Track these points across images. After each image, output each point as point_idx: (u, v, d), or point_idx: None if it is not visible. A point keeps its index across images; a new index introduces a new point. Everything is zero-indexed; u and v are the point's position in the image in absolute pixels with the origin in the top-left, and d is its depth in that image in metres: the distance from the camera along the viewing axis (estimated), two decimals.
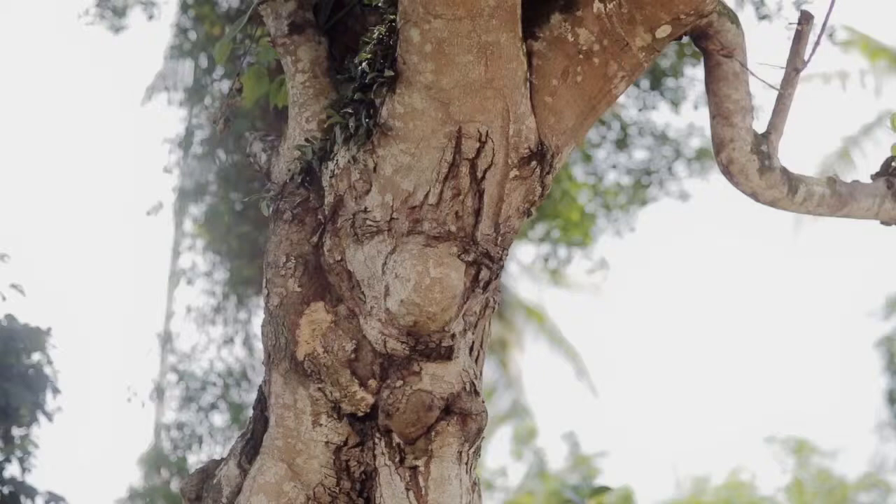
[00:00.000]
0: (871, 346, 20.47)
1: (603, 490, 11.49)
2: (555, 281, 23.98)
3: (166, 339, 13.94)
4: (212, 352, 14.06)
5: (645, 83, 15.64)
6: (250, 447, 4.57)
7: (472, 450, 4.42)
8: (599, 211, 17.87)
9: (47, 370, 10.80)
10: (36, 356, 10.66)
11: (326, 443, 4.46)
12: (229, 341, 14.45)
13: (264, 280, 4.65)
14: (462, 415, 4.36)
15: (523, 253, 23.36)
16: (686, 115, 16.64)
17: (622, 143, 16.74)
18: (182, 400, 13.26)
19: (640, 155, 17.09)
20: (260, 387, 4.74)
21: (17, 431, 10.55)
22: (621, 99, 16.05)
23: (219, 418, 14.00)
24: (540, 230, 18.51)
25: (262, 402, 4.65)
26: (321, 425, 4.46)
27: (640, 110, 16.31)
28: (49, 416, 10.29)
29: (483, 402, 4.48)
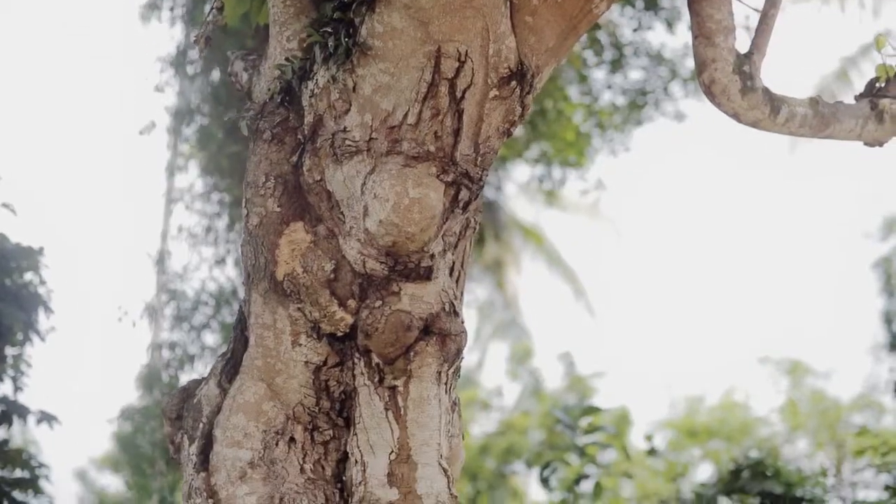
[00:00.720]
0: (868, 267, 20.51)
1: (593, 410, 11.59)
2: (550, 202, 23.93)
3: (160, 259, 13.92)
4: (204, 272, 14.06)
5: (640, 3, 15.50)
6: (230, 367, 4.58)
7: (452, 370, 4.44)
8: (594, 131, 17.78)
9: (40, 290, 10.78)
10: (28, 276, 10.64)
11: (306, 363, 4.47)
12: (221, 261, 14.44)
13: (244, 200, 4.64)
14: (441, 335, 4.36)
15: (519, 173, 23.29)
16: (681, 35, 16.48)
17: (617, 64, 16.61)
18: (174, 320, 13.29)
19: (635, 75, 16.98)
20: (240, 306, 4.74)
21: (9, 351, 10.57)
22: (616, 19, 15.91)
23: (210, 338, 14.04)
24: (535, 150, 18.43)
25: (242, 322, 4.66)
26: (300, 345, 4.47)
27: (635, 31, 16.17)
28: (41, 336, 10.29)
29: (463, 322, 4.48)
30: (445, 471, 4.38)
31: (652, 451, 12.99)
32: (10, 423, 9.79)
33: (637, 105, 17.10)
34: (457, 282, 4.63)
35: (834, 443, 14.81)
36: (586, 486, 11.94)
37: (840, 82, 19.65)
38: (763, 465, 10.99)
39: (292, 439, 4.42)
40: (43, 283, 10.74)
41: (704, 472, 14.29)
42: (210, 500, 4.29)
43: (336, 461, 4.47)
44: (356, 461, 4.36)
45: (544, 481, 11.86)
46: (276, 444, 4.39)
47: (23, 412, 9.75)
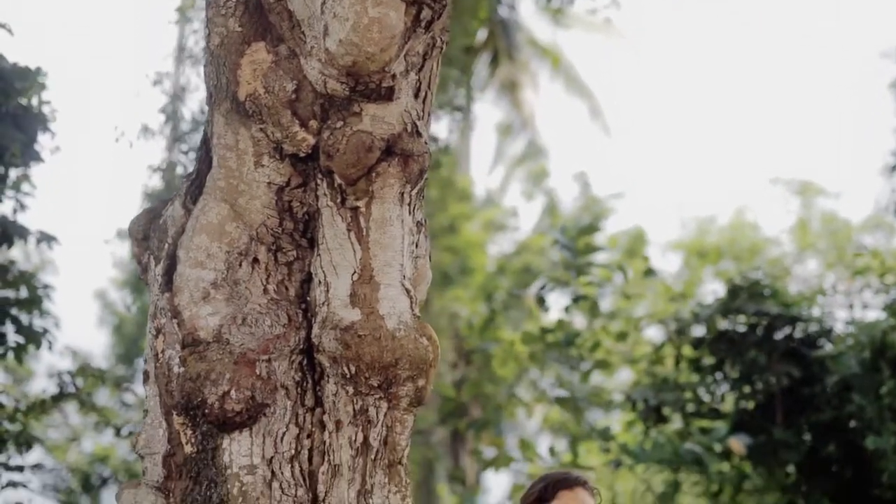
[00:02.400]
0: (885, 88, 20.20)
1: (591, 229, 11.61)
2: (558, 21, 23.52)
3: (159, 81, 13.81)
4: (203, 92, 13.90)
5: None
6: (195, 187, 4.57)
7: (415, 191, 4.42)
8: None
9: (44, 109, 10.71)
10: (27, 96, 10.57)
11: (269, 183, 4.46)
12: None
13: (205, 19, 4.56)
14: (403, 156, 4.34)
15: None
16: None
17: None
18: (173, 141, 13.23)
19: None
20: (204, 128, 4.71)
21: (12, 173, 10.57)
22: None
23: None
24: None
25: (206, 143, 4.63)
26: (263, 166, 4.46)
27: None
28: (40, 157, 10.28)
29: (426, 143, 4.45)
30: (408, 291, 4.40)
31: (649, 272, 13.05)
32: (10, 244, 9.86)
33: None
34: (423, 102, 4.57)
35: (843, 263, 14.83)
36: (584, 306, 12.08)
37: None
38: (760, 286, 11.04)
39: (256, 260, 4.43)
40: (42, 103, 10.64)
41: (714, 293, 14.35)
42: (174, 320, 4.34)
43: (300, 282, 4.49)
44: (319, 282, 4.39)
45: (540, 300, 11.98)
46: (240, 265, 4.41)
47: (23, 233, 9.80)
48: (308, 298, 4.45)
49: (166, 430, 4.34)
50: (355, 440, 4.32)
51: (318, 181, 4.42)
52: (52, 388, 12.13)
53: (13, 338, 10.18)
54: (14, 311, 10.17)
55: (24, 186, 10.44)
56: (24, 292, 10.47)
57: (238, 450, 4.21)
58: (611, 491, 13.01)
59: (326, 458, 4.34)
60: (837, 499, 10.87)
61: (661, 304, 15.80)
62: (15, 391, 17.12)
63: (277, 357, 4.33)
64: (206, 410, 4.19)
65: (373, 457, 4.31)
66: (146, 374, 4.49)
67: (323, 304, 4.35)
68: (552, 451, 11.79)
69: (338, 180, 4.31)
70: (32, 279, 10.44)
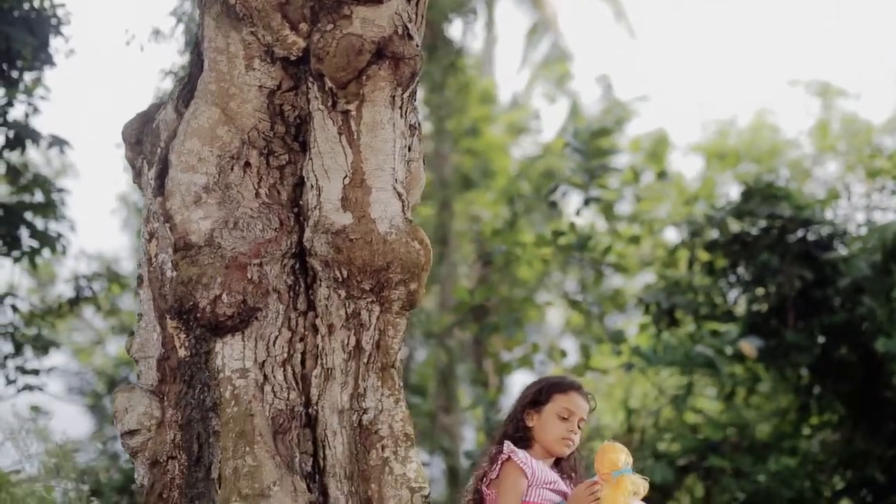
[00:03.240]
0: None
1: (603, 133, 11.54)
2: None
3: None
4: None
5: None
6: (187, 91, 4.55)
7: (407, 94, 4.38)
8: None
9: (57, 12, 10.60)
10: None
11: (260, 87, 4.44)
12: None
13: None
14: (394, 59, 4.30)
15: None
16: None
17: None
18: (184, 44, 13.14)
19: None
20: (195, 31, 4.67)
21: (26, 76, 10.50)
22: None
23: None
24: None
25: (198, 46, 4.60)
26: (255, 69, 4.43)
27: None
28: (53, 61, 10.20)
29: (417, 45, 4.40)
30: (400, 195, 4.39)
31: (662, 175, 12.96)
32: (23, 148, 9.85)
33: None
34: (416, 5, 4.51)
35: (863, 165, 14.69)
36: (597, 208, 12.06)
37: None
38: (773, 188, 10.96)
39: (247, 164, 4.43)
40: (58, 6, 10.48)
41: (727, 197, 14.26)
42: (166, 225, 4.35)
43: (292, 186, 4.49)
44: (311, 186, 4.38)
45: (552, 204, 11.95)
46: (232, 169, 4.40)
47: (35, 137, 9.77)
48: (300, 202, 4.45)
49: (160, 334, 4.38)
50: (348, 344, 4.34)
51: (310, 84, 4.39)
52: (71, 293, 12.19)
53: (28, 242, 10.20)
54: (29, 216, 10.18)
55: (38, 91, 10.36)
56: (39, 197, 10.47)
57: (230, 353, 4.24)
58: (628, 394, 13.05)
59: (319, 362, 4.37)
60: (849, 401, 10.91)
61: (679, 208, 15.74)
62: (35, 296, 17.25)
63: (269, 261, 4.34)
64: (198, 314, 4.22)
65: (365, 360, 4.33)
66: (140, 279, 4.51)
67: (315, 207, 4.34)
68: (562, 353, 11.86)
69: (328, 84, 4.28)
70: (47, 183, 10.44)
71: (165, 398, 4.33)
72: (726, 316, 11.46)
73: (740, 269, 11.55)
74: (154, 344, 4.39)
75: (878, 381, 10.56)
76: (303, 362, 4.37)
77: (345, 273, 4.28)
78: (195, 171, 4.35)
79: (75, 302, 11.91)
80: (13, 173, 10.22)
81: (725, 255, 11.44)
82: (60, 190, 10.68)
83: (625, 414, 12.01)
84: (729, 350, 10.42)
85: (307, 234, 4.35)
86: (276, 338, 4.31)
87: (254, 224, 4.34)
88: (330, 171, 4.33)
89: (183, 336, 4.29)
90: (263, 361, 4.27)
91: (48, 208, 10.25)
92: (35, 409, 12.45)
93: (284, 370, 4.31)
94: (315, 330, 4.39)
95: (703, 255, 11.68)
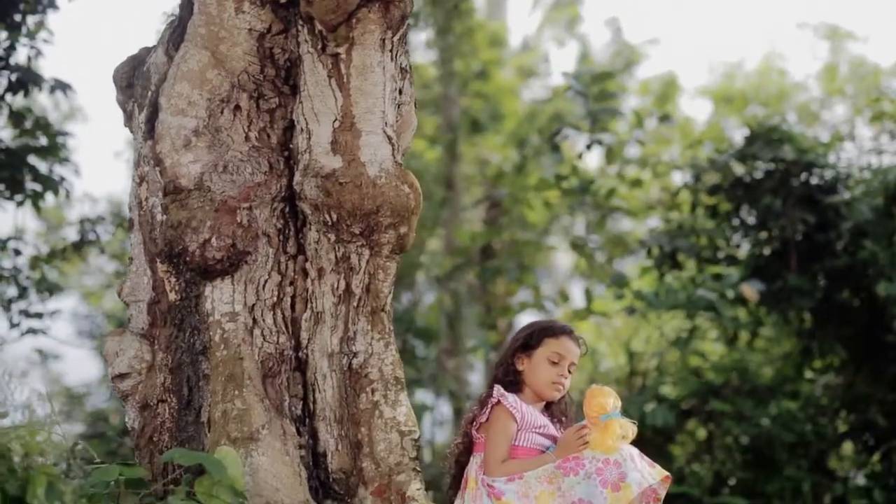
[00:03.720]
0: None
1: (604, 76, 11.46)
2: None
3: None
4: None
5: None
6: (177, 34, 4.53)
7: (397, 37, 4.35)
8: None
9: None
10: None
11: (250, 30, 4.42)
12: None
13: None
14: (384, 1, 4.26)
15: None
16: None
17: None
18: None
19: None
20: None
21: (29, 20, 10.42)
22: None
23: None
24: None
25: None
26: (244, 12, 4.41)
27: None
28: (55, 5, 10.13)
29: None
30: (390, 139, 4.38)
31: (664, 118, 12.87)
32: (26, 91, 9.79)
33: None
34: None
35: (870, 108, 14.58)
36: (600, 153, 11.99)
37: None
38: (777, 132, 10.88)
39: (237, 107, 4.41)
40: None
41: (730, 140, 14.14)
42: (157, 168, 4.34)
43: (282, 129, 4.48)
44: (301, 129, 4.37)
45: (554, 147, 11.89)
46: (221, 113, 4.39)
47: (37, 80, 9.71)
48: (290, 146, 4.44)
49: (151, 278, 4.39)
50: (337, 287, 4.35)
51: (299, 28, 4.37)
52: (75, 237, 12.16)
53: (31, 185, 10.17)
54: (33, 160, 10.14)
55: (42, 34, 10.28)
56: (42, 140, 10.42)
57: (220, 297, 4.25)
58: (630, 338, 13.05)
59: (309, 306, 4.38)
60: (851, 345, 10.89)
61: (685, 152, 15.68)
62: (43, 240, 17.25)
63: (259, 205, 4.34)
64: (188, 258, 4.23)
65: (355, 304, 4.34)
66: (131, 222, 4.51)
67: (304, 151, 4.34)
68: (564, 297, 11.85)
69: (318, 27, 4.26)
70: (50, 126, 10.39)
71: (156, 342, 4.35)
72: (729, 259, 11.42)
73: (743, 213, 11.49)
74: (144, 288, 4.40)
75: (881, 325, 10.53)
76: (292, 306, 4.39)
77: (334, 217, 4.28)
78: (185, 114, 4.34)
79: (80, 245, 11.90)
80: (16, 117, 10.16)
81: (729, 198, 11.37)
82: (64, 133, 10.63)
83: (627, 357, 12.02)
84: (731, 294, 10.39)
85: (297, 177, 4.35)
86: (266, 281, 4.32)
87: (243, 168, 4.34)
88: (320, 115, 4.31)
89: (173, 280, 4.30)
90: (253, 305, 4.28)
91: (51, 151, 10.20)
92: (39, 352, 12.49)
93: (274, 314, 4.32)
94: (305, 273, 4.40)
95: (707, 199, 11.62)
